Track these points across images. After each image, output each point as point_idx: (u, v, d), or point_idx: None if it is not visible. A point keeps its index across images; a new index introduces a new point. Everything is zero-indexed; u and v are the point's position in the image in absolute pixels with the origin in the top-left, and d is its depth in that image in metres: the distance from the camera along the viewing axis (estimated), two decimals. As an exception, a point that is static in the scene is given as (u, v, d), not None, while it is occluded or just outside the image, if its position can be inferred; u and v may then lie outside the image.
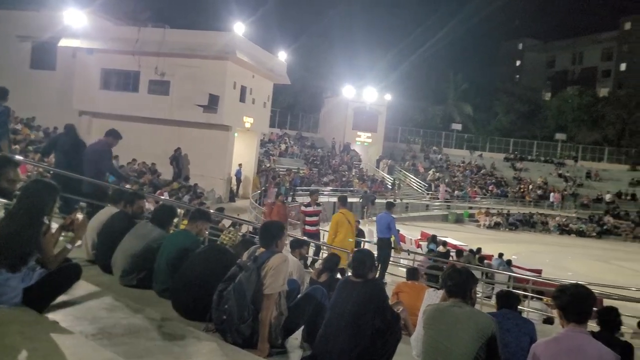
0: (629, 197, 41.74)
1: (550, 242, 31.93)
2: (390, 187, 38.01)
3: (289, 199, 26.16)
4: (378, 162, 41.75)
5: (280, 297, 4.46)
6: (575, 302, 3.26)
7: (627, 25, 73.37)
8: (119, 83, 23.44)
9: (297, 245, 7.92)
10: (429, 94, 54.17)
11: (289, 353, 4.56)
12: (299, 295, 4.89)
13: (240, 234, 10.76)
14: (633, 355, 4.51)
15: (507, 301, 4.98)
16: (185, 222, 6.04)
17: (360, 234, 16.17)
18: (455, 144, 50.72)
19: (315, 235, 12.32)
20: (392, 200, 18.27)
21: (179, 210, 10.01)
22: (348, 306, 4.22)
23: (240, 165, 25.44)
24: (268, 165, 31.37)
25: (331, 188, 31.20)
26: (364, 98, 41.95)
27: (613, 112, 48.18)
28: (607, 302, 9.63)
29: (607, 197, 41.06)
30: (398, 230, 14.53)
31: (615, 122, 47.81)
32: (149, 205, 10.18)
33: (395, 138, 48.97)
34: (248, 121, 24.85)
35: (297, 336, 4.85)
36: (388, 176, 39.82)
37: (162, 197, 13.89)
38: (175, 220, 7.55)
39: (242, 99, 24.08)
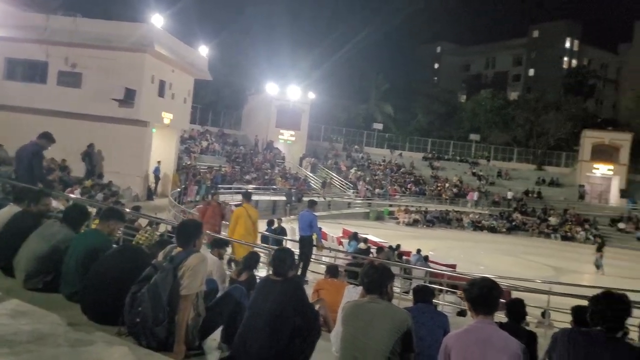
0: (535, 195, 44.48)
1: (465, 238, 33.42)
2: (317, 185, 38.29)
3: (210, 197, 25.72)
4: (301, 161, 41.93)
5: (197, 298, 4.36)
6: (483, 295, 3.40)
7: (536, 33, 78.22)
8: (25, 73, 22.02)
9: (217, 245, 7.79)
10: (352, 93, 55.11)
11: (206, 355, 4.46)
12: (217, 295, 4.80)
13: (158, 233, 10.43)
14: (537, 343, 4.79)
15: (423, 296, 5.14)
16: (97, 221, 5.75)
17: (282, 232, 16.16)
18: (377, 143, 51.91)
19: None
20: (314, 198, 18.37)
21: (93, 209, 9.53)
22: (267, 305, 4.19)
23: (159, 162, 24.67)
24: (189, 162, 30.66)
25: (254, 186, 30.97)
26: (287, 96, 41.98)
27: (522, 114, 51.10)
28: (514, 294, 10.22)
29: (509, 194, 43.49)
30: (320, 228, 14.64)
31: (523, 124, 50.73)
32: (58, 204, 9.61)
33: (319, 136, 49.40)
34: (167, 117, 24.14)
35: (215, 337, 4.75)
36: (311, 174, 40.10)
37: (73, 196, 13.18)
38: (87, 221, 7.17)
39: (160, 93, 23.36)
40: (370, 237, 20.67)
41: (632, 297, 9.62)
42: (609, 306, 3.16)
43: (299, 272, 11.35)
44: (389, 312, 3.75)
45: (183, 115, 26.73)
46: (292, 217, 26.67)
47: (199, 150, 34.73)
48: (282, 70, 44.26)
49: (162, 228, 11.50)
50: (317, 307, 6.09)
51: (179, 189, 23.98)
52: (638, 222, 38.88)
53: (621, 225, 38.95)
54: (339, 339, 4.01)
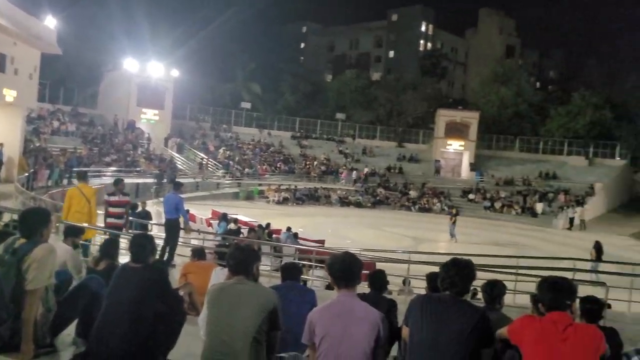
0: (396, 171, 47.21)
1: (333, 214, 34.59)
2: (185, 166, 37.09)
3: (65, 181, 23.89)
4: (166, 141, 40.33)
5: (47, 292, 4.03)
6: (343, 269, 3.52)
7: (394, 17, 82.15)
8: None
9: (72, 233, 7.21)
10: (218, 72, 53.91)
11: (59, 352, 4.15)
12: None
13: (2, 223, 9.45)
14: (396, 310, 5.08)
15: (290, 273, 5.19)
16: None
17: (147, 215, 15.49)
18: (245, 122, 51.50)
19: (119, 229, 10.64)
20: (180, 180, 17.78)
21: None
22: (127, 293, 3.97)
23: (1, 144, 22.30)
24: (38, 144, 28.05)
25: (114, 169, 29.24)
26: (148, 73, 39.92)
27: (383, 94, 53.65)
28: (378, 265, 10.78)
29: (365, 170, 45.65)
30: (187, 210, 14.25)
31: (385, 104, 53.32)
32: None
33: (184, 116, 47.81)
34: (10, 94, 21.80)
35: (70, 332, 4.42)
36: (177, 155, 38.77)
37: None
38: None
39: (1, 68, 21.02)
40: (240, 217, 20.58)
41: (479, 260, 10.55)
42: (456, 272, 3.41)
43: (166, 257, 10.97)
44: (255, 292, 3.73)
45: (29, 93, 24.30)
46: (161, 199, 25.64)
47: (50, 131, 31.91)
48: (142, 46, 41.83)
49: (7, 217, 10.45)
50: (183, 291, 5.91)
51: (26, 174, 21.88)
52: (485, 193, 42.94)
53: (471, 196, 42.78)
54: (206, 323, 3.92)
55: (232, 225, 15.76)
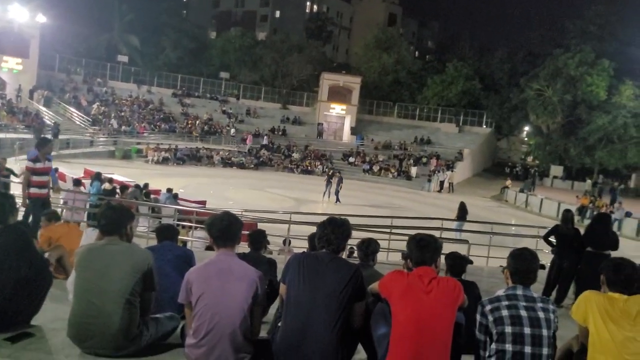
0: (280, 133, 47.35)
1: (215, 174, 34.04)
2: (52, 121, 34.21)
3: None
4: (32, 93, 36.89)
5: None
6: (222, 229, 3.51)
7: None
8: None
9: None
10: (93, 21, 49.76)
11: None
12: None
13: None
14: (276, 268, 5.19)
15: (166, 233, 5.08)
16: None
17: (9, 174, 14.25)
18: (122, 77, 48.48)
19: (44, 201, 8.87)
20: (47, 136, 16.45)
21: None
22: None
23: None
24: None
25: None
26: (10, 17, 35.92)
27: (269, 55, 52.98)
28: (260, 226, 10.86)
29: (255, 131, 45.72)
30: (56, 169, 13.28)
31: (270, 65, 52.76)
32: None
33: (53, 67, 43.93)
34: None
35: None
36: (45, 109, 35.66)
37: None
38: None
39: None
40: (115, 176, 19.58)
41: (356, 221, 11.03)
42: (332, 230, 3.53)
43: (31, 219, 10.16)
44: (127, 253, 3.60)
45: None
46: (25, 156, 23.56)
47: None
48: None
49: None
50: (54, 254, 5.57)
51: None
52: (364, 157, 44.59)
53: (351, 159, 44.22)
54: (74, 286, 3.73)
55: (106, 185, 14.94)
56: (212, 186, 27.68)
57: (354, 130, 49.30)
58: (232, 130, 44.75)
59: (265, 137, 44.91)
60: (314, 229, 6.41)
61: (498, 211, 30.60)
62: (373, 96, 53.19)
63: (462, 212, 19.71)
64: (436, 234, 8.56)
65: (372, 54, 54.96)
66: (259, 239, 5.46)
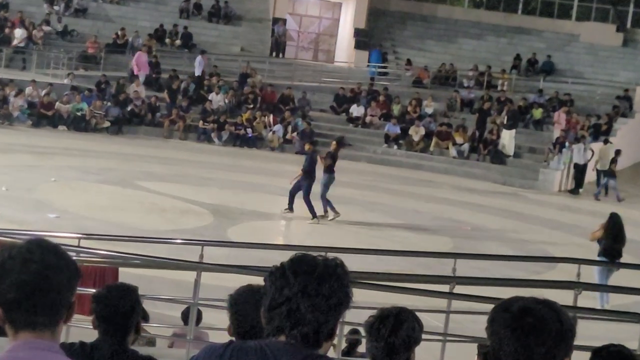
0: (175, 39, 31.18)
1: (18, 145, 17.61)
2: None
3: None
4: None
5: None
6: (23, 287, 1.74)
7: None
8: None
9: None
10: None
11: None
12: None
13: None
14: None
15: None
16: None
17: None
18: None
19: None
20: None
21: None
22: None
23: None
24: None
25: None
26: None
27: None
28: (128, 276, 6.10)
29: None
30: None
31: None
32: None
33: None
34: None
35: None
36: None
37: None
38: None
39: None
40: None
41: (364, 262, 7.17)
42: (303, 289, 1.49)
43: None
44: None
45: None
46: None
47: None
48: None
49: None
50: None
51: None
52: (389, 105, 16.68)
53: (356, 110, 16.85)
54: None
55: None
56: (8, 174, 13.04)
57: (360, 42, 23.68)
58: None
59: (137, 52, 21.25)
60: (258, 281, 2.59)
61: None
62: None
63: (613, 242, 9.25)
64: (563, 298, 3.86)
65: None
66: (122, 311, 2.36)
